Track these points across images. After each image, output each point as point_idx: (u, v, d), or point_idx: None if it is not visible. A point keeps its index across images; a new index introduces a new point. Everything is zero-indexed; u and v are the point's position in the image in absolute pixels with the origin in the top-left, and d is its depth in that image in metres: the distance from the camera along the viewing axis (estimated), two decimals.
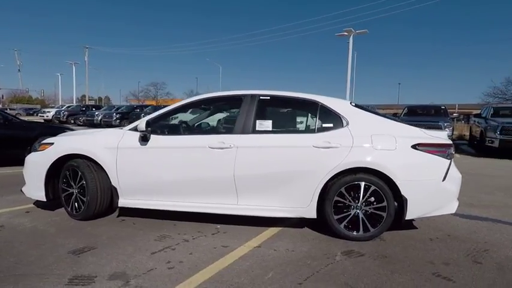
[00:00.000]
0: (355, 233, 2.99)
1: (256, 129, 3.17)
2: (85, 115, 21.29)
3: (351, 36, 18.58)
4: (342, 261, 2.60)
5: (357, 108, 3.25)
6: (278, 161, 3.05)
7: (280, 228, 3.28)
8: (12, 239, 2.87)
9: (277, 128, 3.26)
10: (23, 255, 2.57)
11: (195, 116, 4.51)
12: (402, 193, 2.90)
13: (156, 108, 19.32)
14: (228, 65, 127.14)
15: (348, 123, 3.09)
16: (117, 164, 3.25)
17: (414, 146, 2.95)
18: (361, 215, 2.98)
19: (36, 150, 3.58)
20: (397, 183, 2.89)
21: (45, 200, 3.47)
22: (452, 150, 3.01)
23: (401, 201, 2.92)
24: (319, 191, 3.00)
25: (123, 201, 3.31)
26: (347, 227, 3.00)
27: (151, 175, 3.23)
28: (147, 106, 22.88)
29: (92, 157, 3.28)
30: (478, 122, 11.12)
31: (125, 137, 3.31)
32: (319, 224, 3.20)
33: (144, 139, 3.23)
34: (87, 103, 38.87)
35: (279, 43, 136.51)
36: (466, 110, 33.77)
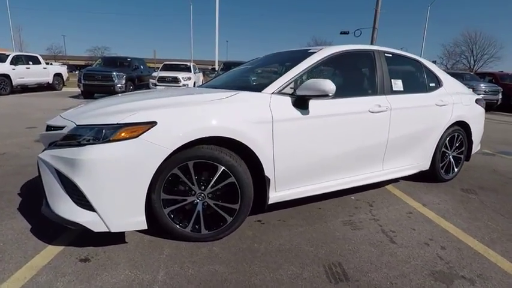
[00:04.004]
0: (448, 175, 3.60)
1: (393, 89, 3.02)
2: None
3: None
4: (478, 196, 3.19)
5: (439, 69, 3.67)
6: (415, 121, 3.10)
7: (392, 187, 3.41)
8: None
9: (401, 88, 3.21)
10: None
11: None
12: (472, 138, 3.72)
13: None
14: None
15: (442, 83, 3.49)
16: (273, 145, 2.24)
17: (475, 101, 3.78)
18: (452, 160, 3.61)
19: (106, 140, 1.81)
20: (472, 130, 3.66)
21: (145, 227, 1.94)
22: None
23: (469, 145, 3.75)
24: (436, 144, 3.34)
25: (276, 196, 2.37)
26: (444, 172, 3.57)
27: (313, 154, 2.46)
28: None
29: (239, 139, 2.08)
30: None
31: (274, 104, 2.27)
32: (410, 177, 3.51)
33: (303, 106, 2.36)
34: None
35: None
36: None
